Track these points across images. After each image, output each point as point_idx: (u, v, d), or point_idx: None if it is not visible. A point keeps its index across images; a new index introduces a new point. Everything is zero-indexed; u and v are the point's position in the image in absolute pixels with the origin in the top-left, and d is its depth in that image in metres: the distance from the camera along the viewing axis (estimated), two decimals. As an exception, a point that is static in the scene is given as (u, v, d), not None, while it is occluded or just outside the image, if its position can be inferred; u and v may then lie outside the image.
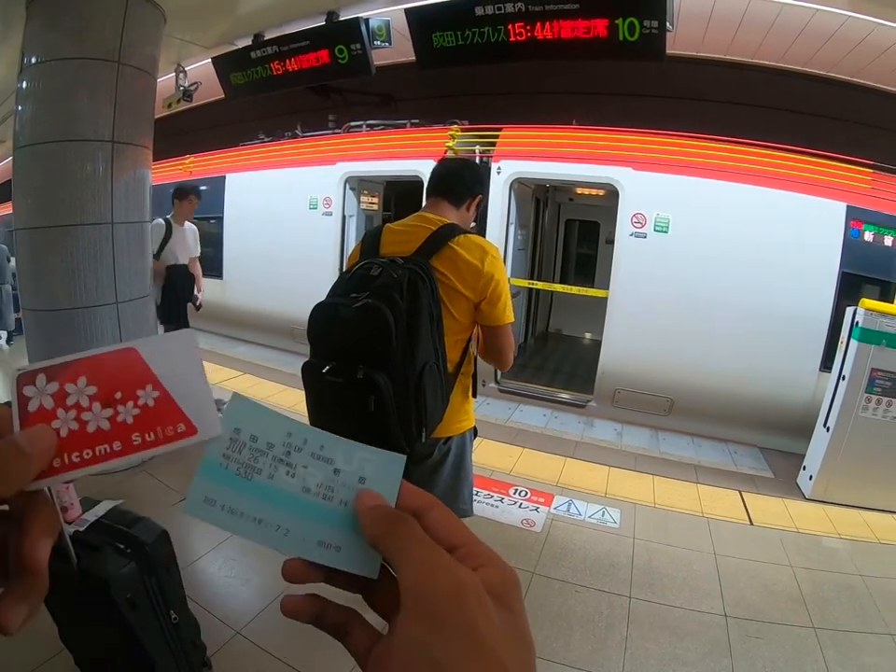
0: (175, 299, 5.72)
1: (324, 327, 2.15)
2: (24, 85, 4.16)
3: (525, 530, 3.98)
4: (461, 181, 2.48)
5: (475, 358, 2.48)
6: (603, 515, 4.25)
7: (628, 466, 5.17)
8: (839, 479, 4.67)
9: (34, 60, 4.11)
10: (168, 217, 5.74)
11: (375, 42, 4.83)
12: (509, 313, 2.31)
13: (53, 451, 0.44)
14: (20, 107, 4.24)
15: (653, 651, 2.99)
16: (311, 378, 2.16)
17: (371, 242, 2.38)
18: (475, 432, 2.60)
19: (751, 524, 4.34)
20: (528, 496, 4.43)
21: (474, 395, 2.53)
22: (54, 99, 4.06)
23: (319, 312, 2.15)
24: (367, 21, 4.80)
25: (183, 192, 5.82)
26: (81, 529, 2.17)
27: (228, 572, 3.33)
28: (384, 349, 2.01)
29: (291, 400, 5.80)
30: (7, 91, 6.77)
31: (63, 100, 4.03)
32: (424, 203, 2.52)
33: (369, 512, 0.47)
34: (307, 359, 2.19)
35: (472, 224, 2.67)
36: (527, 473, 4.81)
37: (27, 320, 4.50)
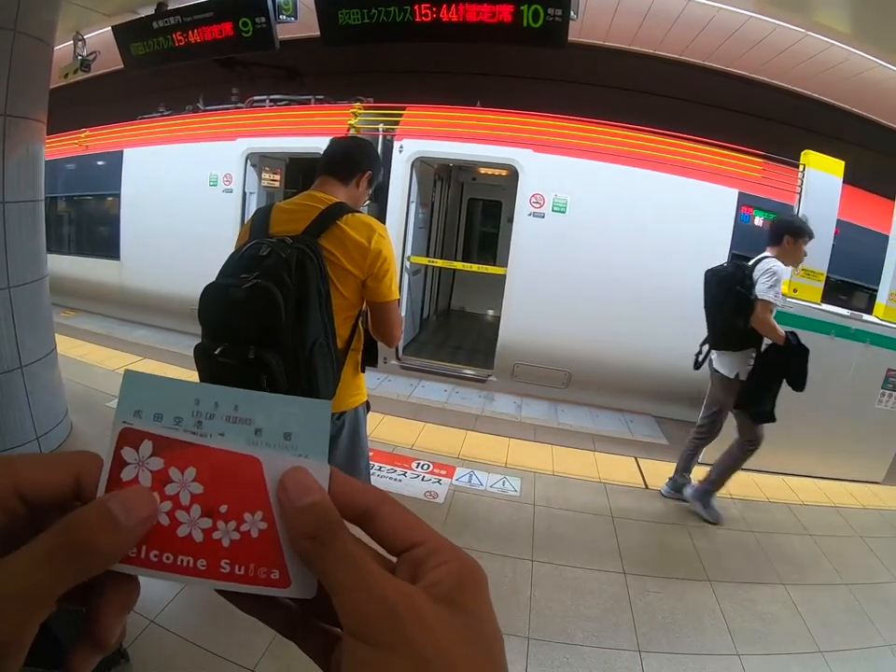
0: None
1: (214, 308, 2.16)
2: None
3: (428, 502, 4.08)
4: (349, 159, 2.52)
5: (365, 333, 2.54)
6: (504, 485, 4.41)
7: (528, 437, 5.37)
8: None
9: None
10: None
11: (281, 16, 4.79)
12: (395, 290, 2.38)
13: (152, 522, 0.40)
14: None
15: (557, 610, 3.15)
16: (203, 360, 2.17)
17: (260, 221, 2.39)
18: (368, 406, 2.67)
19: (646, 487, 4.62)
20: (430, 469, 4.54)
21: (362, 369, 2.58)
22: None
23: (209, 293, 2.16)
24: (274, -8, 4.73)
25: None
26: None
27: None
28: (273, 329, 2.04)
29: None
30: None
31: None
32: (315, 181, 2.53)
33: (292, 522, 0.42)
34: (199, 342, 2.20)
35: (367, 201, 2.73)
36: (429, 447, 4.92)
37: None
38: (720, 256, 5.93)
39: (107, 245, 9.37)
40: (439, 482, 4.37)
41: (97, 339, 7.62)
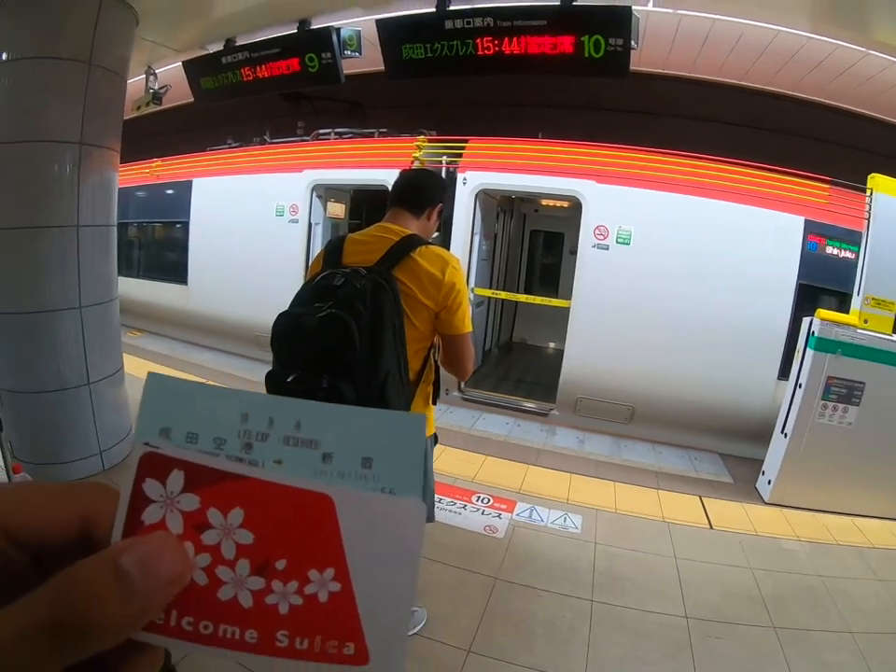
0: None
1: (287, 336, 2.15)
2: None
3: (487, 536, 4.01)
4: (421, 191, 2.53)
5: (436, 367, 2.52)
6: (565, 521, 4.30)
7: (590, 473, 5.24)
8: (797, 483, 4.80)
9: (3, 56, 4.02)
10: None
11: (346, 51, 4.85)
12: (468, 322, 2.36)
13: (182, 584, 0.32)
14: None
15: (615, 653, 3.04)
16: (274, 387, 2.14)
17: (333, 251, 2.40)
18: (436, 439, 2.66)
19: (711, 527, 4.44)
20: (491, 503, 4.47)
21: (434, 402, 2.56)
22: (23, 98, 4.00)
23: (282, 321, 2.17)
24: (338, 30, 4.82)
25: None
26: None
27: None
28: (347, 359, 2.03)
29: None
30: None
31: (33, 99, 3.99)
32: (387, 213, 2.54)
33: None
34: (270, 368, 2.19)
35: (436, 233, 2.73)
36: (490, 481, 4.84)
37: (-13, 322, 4.40)
38: (787, 286, 5.79)
39: (176, 271, 9.70)
40: (499, 516, 4.30)
41: (163, 360, 7.87)
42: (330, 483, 0.35)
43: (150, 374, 0.37)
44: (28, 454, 3.84)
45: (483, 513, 4.32)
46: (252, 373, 7.39)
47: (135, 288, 9.65)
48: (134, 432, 0.36)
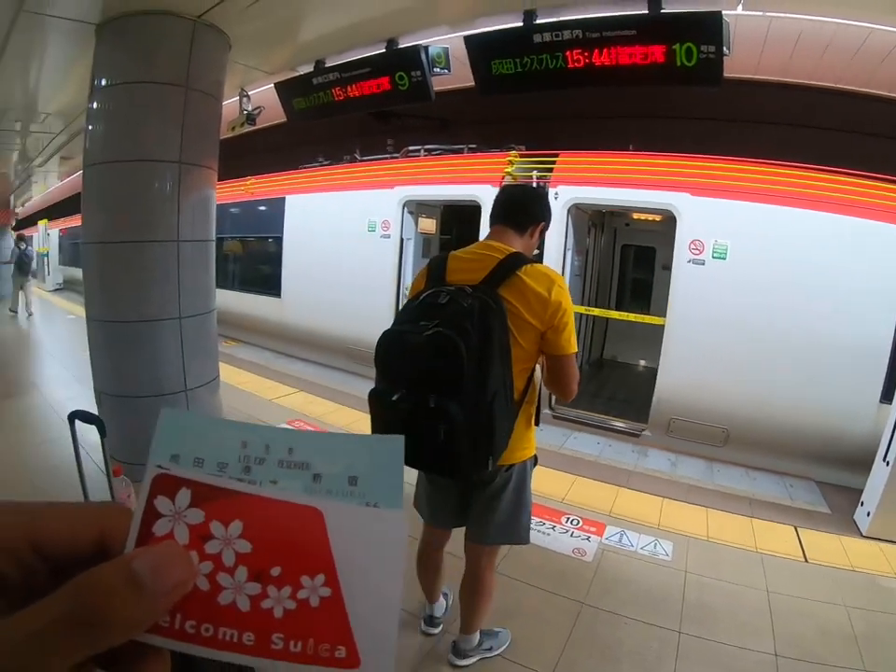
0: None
1: (392, 354, 2.16)
2: (95, 106, 4.38)
3: (576, 559, 3.94)
4: (524, 208, 2.50)
5: (539, 387, 2.49)
6: (655, 547, 4.18)
7: (681, 497, 5.07)
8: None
9: (104, 82, 4.31)
10: None
11: (435, 69, 4.91)
12: (573, 342, 2.32)
13: (187, 588, 0.35)
14: (90, 127, 4.46)
15: (702, 688, 2.92)
16: (379, 405, 2.16)
17: (436, 269, 2.39)
18: (535, 461, 2.60)
19: (806, 560, 4.20)
20: (580, 524, 4.39)
21: (536, 423, 2.52)
22: (124, 120, 4.27)
23: (388, 339, 2.18)
24: (426, 48, 4.88)
25: None
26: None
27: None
28: (455, 378, 2.01)
29: (346, 419, 5.90)
30: (74, 111, 7.13)
31: (133, 121, 4.23)
32: (488, 230, 2.53)
33: None
34: (374, 386, 2.20)
35: (535, 251, 2.69)
36: (580, 502, 4.76)
37: (92, 330, 4.66)
38: (891, 301, 5.46)
39: (269, 284, 10.10)
40: (588, 539, 4.21)
41: (256, 369, 8.14)
42: (320, 498, 0.38)
43: (164, 409, 0.41)
44: (125, 454, 3.98)
45: (571, 535, 4.24)
46: (344, 384, 7.57)
47: (231, 300, 10.05)
48: (148, 458, 0.39)
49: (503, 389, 2.13)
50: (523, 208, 2.50)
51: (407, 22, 4.76)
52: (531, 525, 2.54)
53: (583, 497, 4.85)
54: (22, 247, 14.70)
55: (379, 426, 2.20)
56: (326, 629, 0.36)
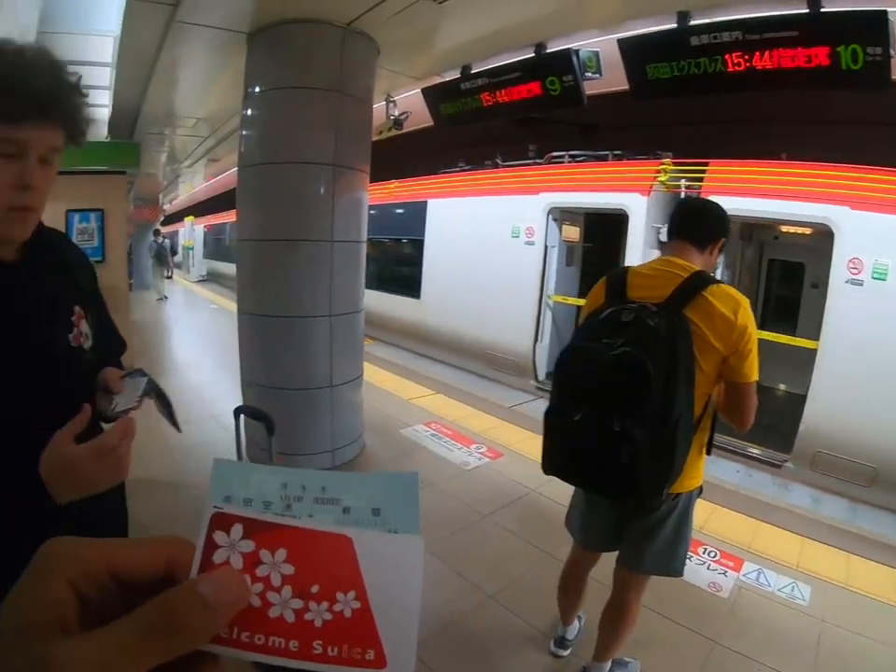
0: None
1: (576, 372, 2.10)
2: (249, 112, 4.64)
3: (711, 594, 3.77)
4: (708, 224, 2.36)
5: (714, 414, 2.37)
6: (793, 590, 3.91)
7: (823, 538, 4.70)
8: None
9: (257, 89, 4.57)
10: None
11: (586, 73, 4.84)
12: (755, 369, 2.19)
13: (243, 604, 0.40)
14: (244, 132, 4.74)
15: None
16: (557, 422, 2.13)
17: (615, 284, 2.30)
18: (700, 491, 2.47)
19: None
20: (717, 557, 4.20)
21: (708, 452, 2.39)
22: (279, 124, 4.49)
23: (570, 356, 2.13)
24: (577, 52, 4.82)
25: None
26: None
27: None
28: (640, 400, 1.95)
29: (482, 424, 5.86)
30: (222, 117, 7.61)
31: (288, 125, 4.42)
32: (667, 245, 2.43)
33: None
34: (551, 403, 2.17)
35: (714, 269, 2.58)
36: (718, 533, 4.55)
37: (243, 323, 4.93)
38: None
39: (409, 285, 10.38)
40: (725, 573, 4.01)
41: (394, 368, 8.20)
42: (349, 527, 0.45)
43: (216, 460, 0.48)
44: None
45: (708, 568, 4.07)
46: (481, 389, 7.58)
47: (370, 299, 10.32)
48: (207, 500, 0.45)
49: (687, 413, 2.05)
50: (705, 223, 2.37)
51: (555, 26, 4.69)
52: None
53: (722, 528, 4.63)
54: (160, 241, 16.94)
55: (555, 442, 2.18)
56: (357, 636, 0.42)
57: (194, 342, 11.25)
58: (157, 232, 17.46)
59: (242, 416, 2.43)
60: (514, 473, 4.67)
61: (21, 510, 1.02)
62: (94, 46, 5.52)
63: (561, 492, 2.42)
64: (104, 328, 1.48)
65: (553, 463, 2.21)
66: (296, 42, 4.38)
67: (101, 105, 7.20)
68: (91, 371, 1.36)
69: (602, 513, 2.52)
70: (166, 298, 16.46)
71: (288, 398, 4.69)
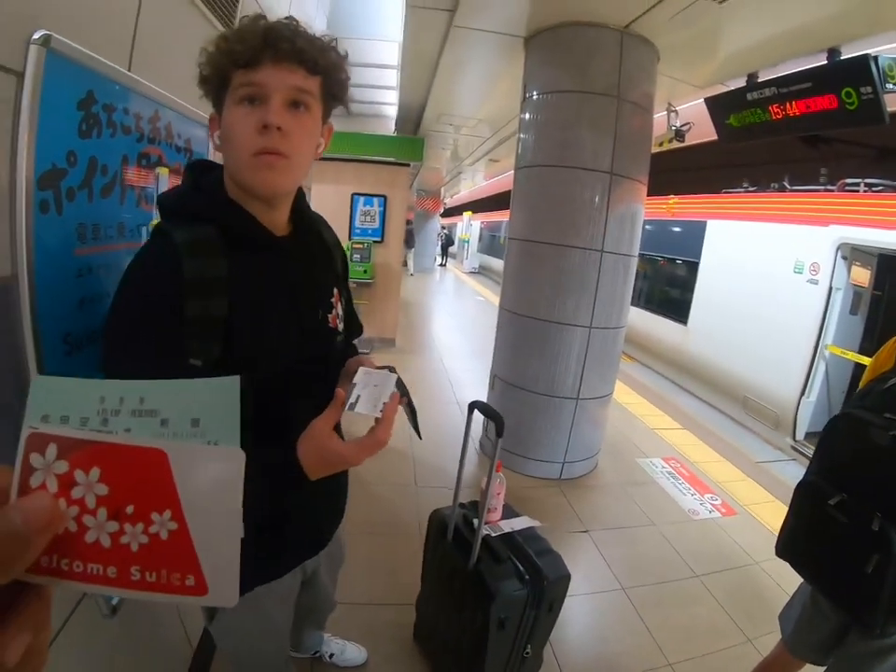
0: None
1: (844, 446, 1.80)
2: (527, 115, 4.72)
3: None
4: None
5: None
6: None
7: None
8: None
9: (535, 93, 4.62)
10: None
11: (887, 85, 4.34)
12: None
13: (54, 528, 0.39)
14: (522, 134, 4.81)
15: None
16: (806, 500, 1.88)
17: None
18: None
19: None
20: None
21: None
22: (556, 128, 4.50)
23: (843, 424, 1.81)
24: (875, 58, 4.32)
25: None
26: (493, 535, 2.33)
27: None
28: None
29: (726, 475, 5.30)
30: (502, 119, 7.89)
31: (565, 129, 4.43)
32: None
33: None
34: (807, 476, 1.91)
35: None
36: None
37: (502, 319, 5.02)
38: None
39: (677, 308, 9.90)
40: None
41: (646, 393, 7.78)
42: (165, 441, 0.43)
43: (34, 377, 0.50)
44: (504, 442, 4.22)
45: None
46: (732, 435, 6.92)
47: (631, 316, 10.07)
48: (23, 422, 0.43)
49: None
50: None
51: (850, 28, 4.16)
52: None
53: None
54: (408, 227, 18.85)
55: (799, 523, 1.93)
56: (175, 560, 0.41)
57: (454, 326, 11.81)
58: (408, 221, 19.62)
59: (475, 411, 2.53)
60: (742, 538, 4.21)
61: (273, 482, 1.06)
62: (381, 50, 6.24)
63: (787, 575, 2.16)
64: (349, 311, 1.54)
65: (789, 548, 1.98)
66: (573, 45, 4.40)
67: (389, 104, 8.00)
68: (342, 353, 1.44)
69: (823, 619, 2.03)
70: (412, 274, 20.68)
71: (531, 400, 4.73)
